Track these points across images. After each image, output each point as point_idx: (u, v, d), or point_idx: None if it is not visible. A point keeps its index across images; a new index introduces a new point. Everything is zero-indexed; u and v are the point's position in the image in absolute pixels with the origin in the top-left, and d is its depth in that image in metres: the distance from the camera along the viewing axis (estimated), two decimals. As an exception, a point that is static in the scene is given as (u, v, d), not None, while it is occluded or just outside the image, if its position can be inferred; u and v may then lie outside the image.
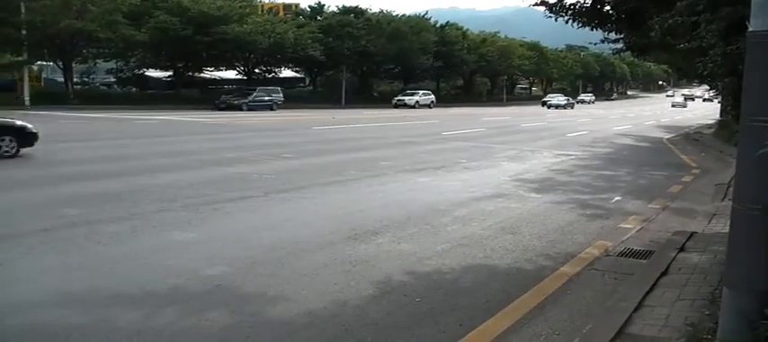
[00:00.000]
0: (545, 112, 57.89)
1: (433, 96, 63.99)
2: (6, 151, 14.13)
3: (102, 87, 51.10)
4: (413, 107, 57.66)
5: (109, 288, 5.65)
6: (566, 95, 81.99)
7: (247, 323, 4.99)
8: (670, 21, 9.18)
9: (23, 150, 14.56)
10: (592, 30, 21.45)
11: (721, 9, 6.92)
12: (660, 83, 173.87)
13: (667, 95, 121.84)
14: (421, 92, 63.99)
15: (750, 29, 3.77)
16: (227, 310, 5.23)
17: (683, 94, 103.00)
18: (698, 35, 7.87)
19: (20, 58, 39.67)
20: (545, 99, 77.56)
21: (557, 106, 72.27)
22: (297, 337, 4.81)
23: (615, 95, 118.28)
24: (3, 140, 14.21)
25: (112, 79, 53.40)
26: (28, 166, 13.29)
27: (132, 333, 4.74)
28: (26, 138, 14.78)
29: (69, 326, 4.85)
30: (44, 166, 13.26)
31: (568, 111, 66.67)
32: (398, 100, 59.70)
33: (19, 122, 15.10)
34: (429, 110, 55.93)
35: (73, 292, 5.54)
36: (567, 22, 20.74)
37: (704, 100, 65.91)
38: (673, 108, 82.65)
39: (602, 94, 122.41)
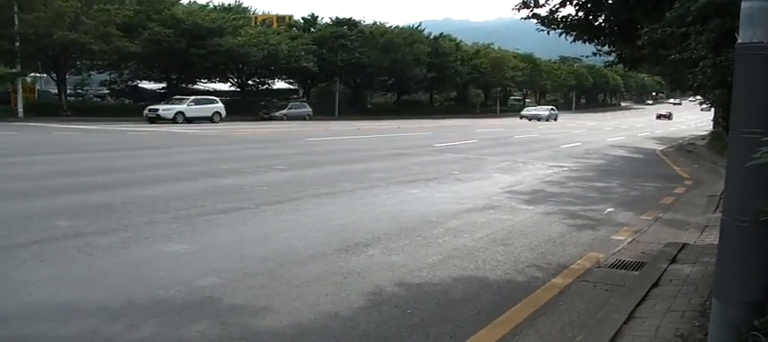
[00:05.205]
0: (537, 124, 57.87)
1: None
2: None
3: (95, 99, 51.09)
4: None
5: (100, 300, 5.62)
6: None
7: (237, 334, 4.97)
8: (660, 32, 9.22)
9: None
10: (584, 43, 21.55)
11: (710, 21, 6.96)
12: (653, 94, 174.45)
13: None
14: None
15: (739, 41, 3.79)
16: (217, 322, 5.20)
17: (702, 102, 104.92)
18: (688, 46, 7.90)
19: (13, 70, 39.70)
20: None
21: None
22: (287, 349, 4.78)
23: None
24: None
25: (106, 91, 53.46)
26: (21, 177, 13.25)
27: (121, 345, 4.73)
28: None
29: (59, 337, 4.83)
30: (37, 177, 13.21)
31: None
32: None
33: None
34: (422, 121, 53.91)
35: (64, 303, 5.51)
36: (560, 36, 20.89)
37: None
38: (701, 111, 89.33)
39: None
